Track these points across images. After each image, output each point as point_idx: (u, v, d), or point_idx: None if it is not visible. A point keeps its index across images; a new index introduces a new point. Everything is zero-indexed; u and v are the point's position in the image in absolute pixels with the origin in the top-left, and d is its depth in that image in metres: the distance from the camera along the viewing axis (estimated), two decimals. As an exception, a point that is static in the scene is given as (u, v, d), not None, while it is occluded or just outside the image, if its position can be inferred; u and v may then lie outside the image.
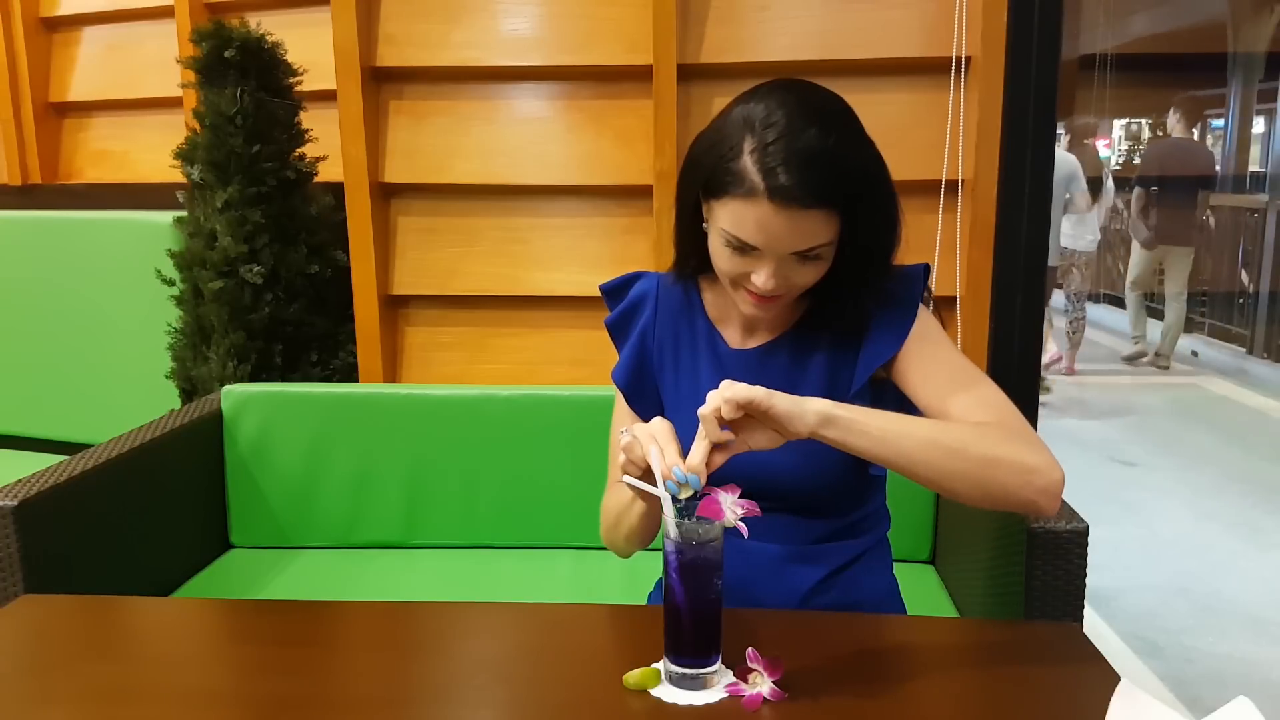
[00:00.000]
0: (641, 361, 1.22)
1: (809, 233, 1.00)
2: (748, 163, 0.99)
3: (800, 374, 1.14)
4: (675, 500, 0.91)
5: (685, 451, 0.95)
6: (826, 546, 1.16)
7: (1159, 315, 8.23)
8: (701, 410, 0.93)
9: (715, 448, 0.94)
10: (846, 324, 1.13)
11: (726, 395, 0.91)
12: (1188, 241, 6.40)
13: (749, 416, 0.94)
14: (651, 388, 1.22)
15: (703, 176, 1.05)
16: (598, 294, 1.27)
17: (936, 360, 1.09)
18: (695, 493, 0.91)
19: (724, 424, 0.93)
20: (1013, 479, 0.97)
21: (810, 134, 0.98)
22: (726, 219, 1.02)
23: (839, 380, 1.13)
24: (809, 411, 0.93)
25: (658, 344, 1.22)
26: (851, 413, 0.95)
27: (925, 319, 1.12)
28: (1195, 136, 6.68)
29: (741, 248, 1.02)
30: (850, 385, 1.12)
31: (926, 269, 1.15)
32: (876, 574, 1.21)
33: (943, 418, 1.04)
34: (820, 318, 1.15)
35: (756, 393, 0.91)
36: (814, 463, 1.10)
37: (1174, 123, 6.34)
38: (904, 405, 1.11)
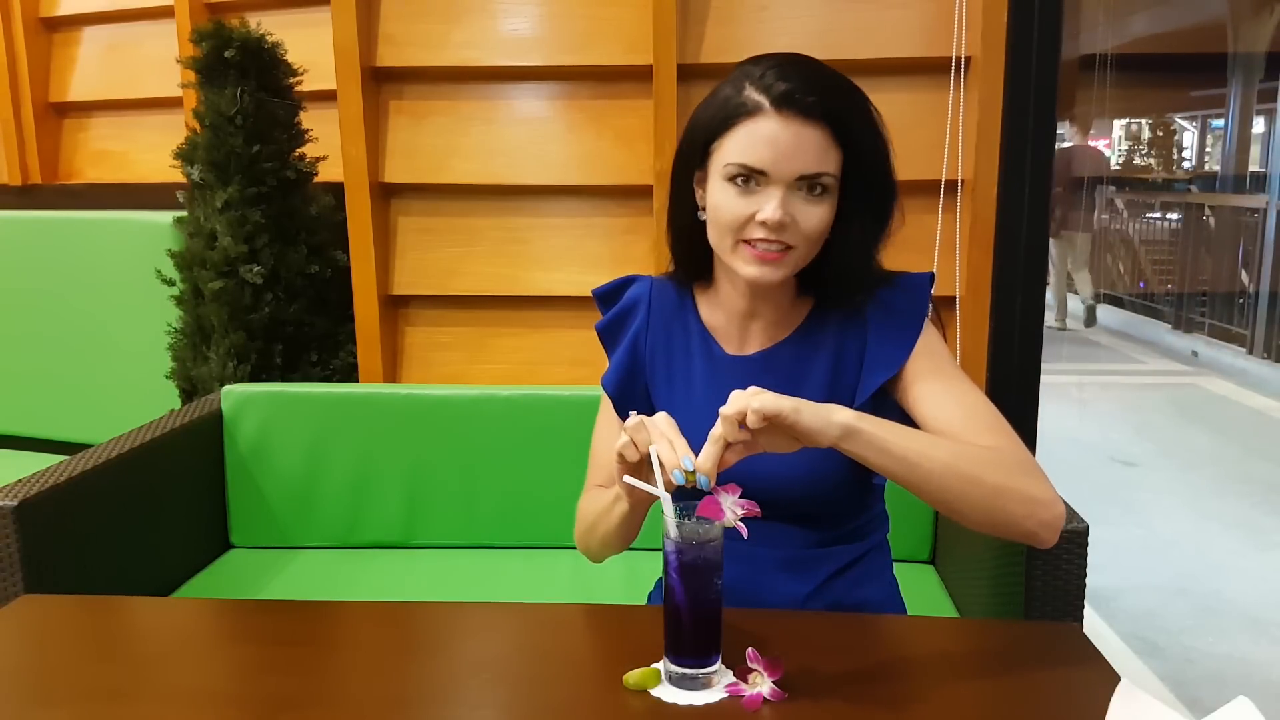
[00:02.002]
0: (633, 368, 1.20)
1: (816, 149, 1.00)
2: (750, 91, 1.02)
3: (800, 382, 1.13)
4: (678, 494, 0.91)
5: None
6: (826, 551, 1.16)
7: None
8: (724, 410, 0.91)
9: (728, 447, 0.93)
10: (848, 322, 1.12)
11: (755, 405, 0.89)
12: (1086, 228, 8.22)
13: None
14: (642, 395, 1.20)
15: (704, 129, 1.06)
16: (596, 295, 1.27)
17: (941, 379, 1.08)
18: (702, 490, 0.91)
19: (743, 426, 0.92)
20: (1019, 509, 0.97)
21: (805, 66, 1.03)
22: (734, 150, 1.02)
23: (840, 390, 1.12)
24: (833, 423, 0.92)
25: (650, 350, 1.20)
26: (875, 427, 0.94)
27: (930, 335, 1.11)
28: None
29: (747, 179, 1.02)
30: (853, 396, 1.11)
31: (931, 279, 1.14)
32: (876, 576, 1.21)
33: (945, 437, 1.03)
34: (819, 322, 1.14)
35: (784, 405, 0.90)
36: (815, 475, 1.10)
37: (1070, 131, 7.85)
38: (905, 417, 1.11)
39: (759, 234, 1.02)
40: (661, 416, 0.95)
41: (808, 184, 1.01)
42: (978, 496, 0.96)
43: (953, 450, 0.98)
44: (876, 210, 1.08)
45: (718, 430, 0.91)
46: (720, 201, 1.04)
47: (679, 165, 1.11)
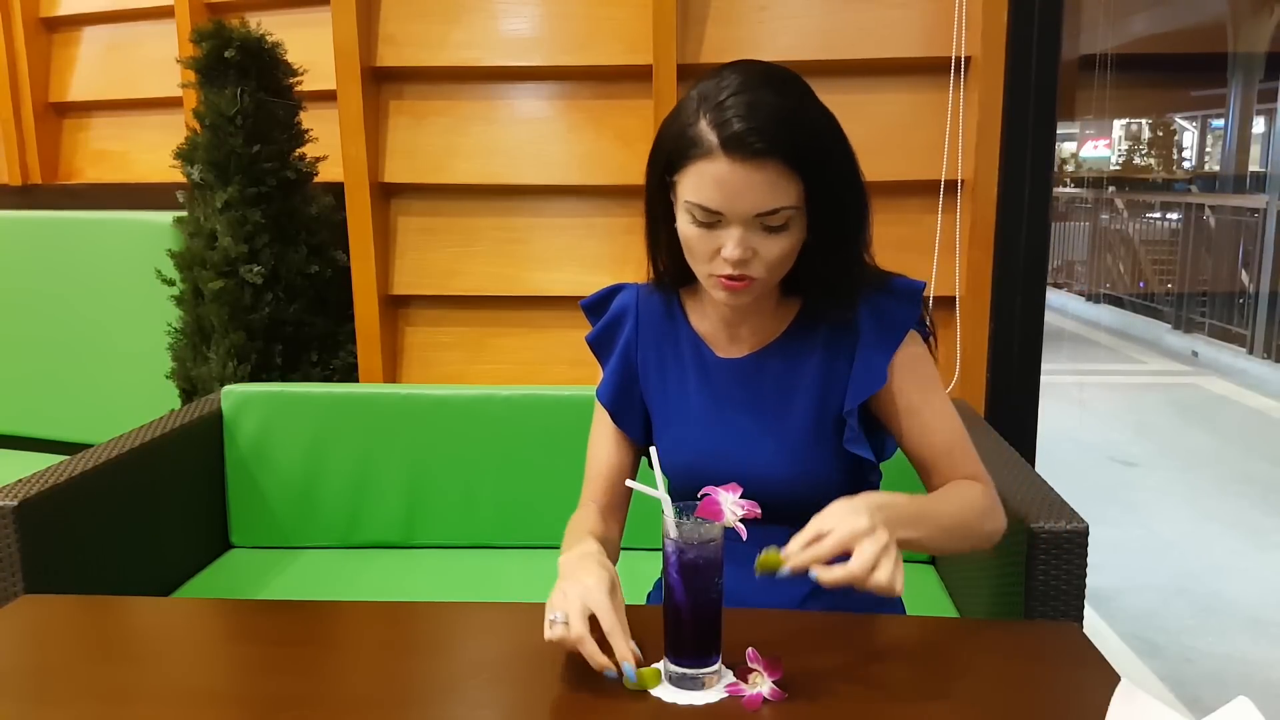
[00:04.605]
0: (627, 378, 1.19)
1: (768, 187, 0.98)
2: (703, 126, 0.99)
3: (793, 384, 1.12)
4: (676, 495, 0.91)
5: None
6: (825, 553, 1.15)
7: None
8: (853, 543, 0.87)
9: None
10: (835, 325, 1.11)
11: (884, 576, 0.86)
12: None
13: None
14: (638, 404, 1.20)
15: (664, 155, 1.04)
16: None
17: (922, 401, 1.10)
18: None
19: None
20: (979, 542, 1.08)
21: (763, 92, 0.99)
22: (689, 189, 1.01)
23: (832, 393, 1.11)
24: (899, 536, 0.92)
25: (641, 359, 1.19)
26: (917, 530, 0.97)
27: (915, 356, 1.11)
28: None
29: (707, 221, 1.01)
30: (842, 401, 1.11)
31: (923, 288, 1.12)
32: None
33: (921, 463, 1.11)
34: (809, 323, 1.13)
35: (891, 551, 0.88)
36: (810, 476, 1.10)
37: None
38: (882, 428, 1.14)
39: (724, 269, 1.02)
40: (592, 594, 0.90)
41: (766, 218, 1.00)
42: (955, 545, 1.08)
43: (950, 515, 1.05)
44: (847, 226, 1.07)
45: (823, 550, 0.88)
46: (685, 234, 1.04)
47: (651, 178, 1.10)
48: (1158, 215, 9.60)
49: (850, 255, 1.08)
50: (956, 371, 2.06)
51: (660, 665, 0.91)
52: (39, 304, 2.50)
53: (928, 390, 1.11)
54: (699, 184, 1.00)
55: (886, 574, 0.86)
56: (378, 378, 2.24)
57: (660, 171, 1.06)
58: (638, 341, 1.20)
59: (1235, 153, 10.55)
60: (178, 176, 2.16)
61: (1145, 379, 6.76)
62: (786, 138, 0.98)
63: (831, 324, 1.12)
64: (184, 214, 2.20)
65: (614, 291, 1.23)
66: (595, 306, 1.23)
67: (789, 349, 1.14)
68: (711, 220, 1.01)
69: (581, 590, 0.91)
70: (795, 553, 0.87)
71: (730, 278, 1.03)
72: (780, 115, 0.98)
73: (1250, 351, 6.89)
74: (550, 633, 0.90)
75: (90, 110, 2.82)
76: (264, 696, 0.93)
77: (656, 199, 1.09)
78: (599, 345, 1.23)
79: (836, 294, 1.09)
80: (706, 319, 1.17)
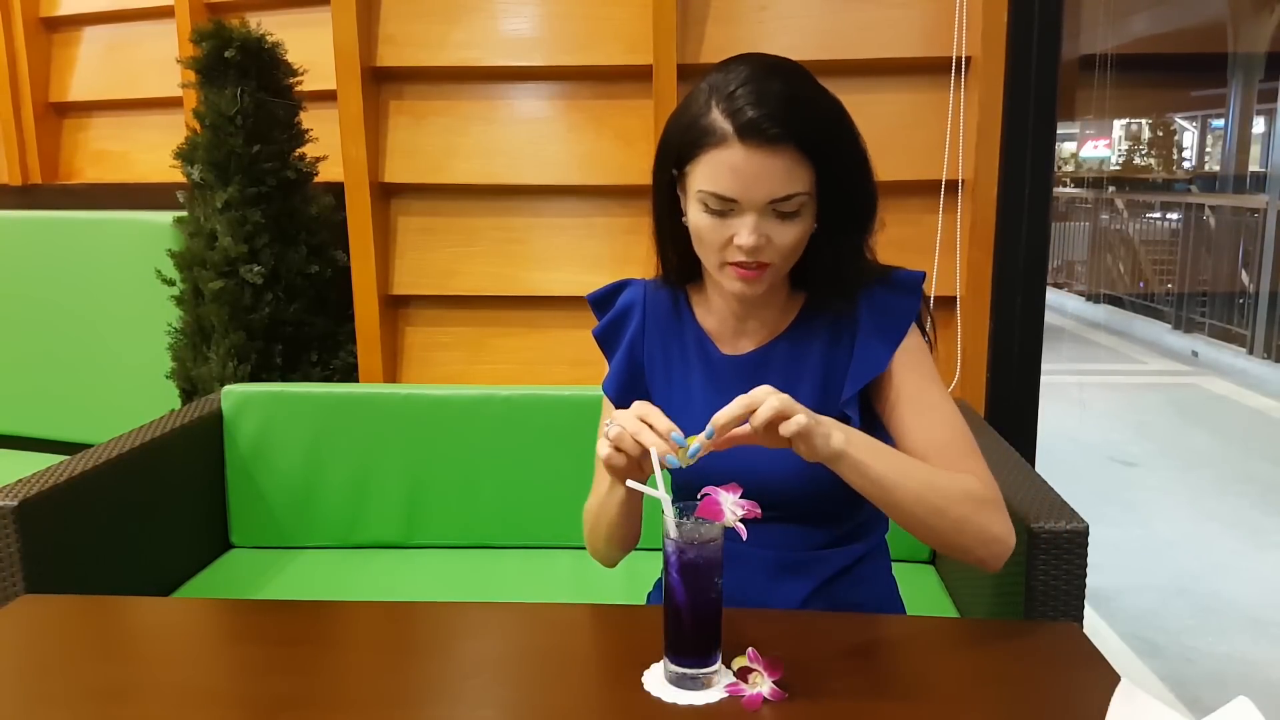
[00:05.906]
0: (633, 373, 1.20)
1: (782, 173, 1.00)
2: (716, 115, 1.01)
3: (797, 378, 1.13)
4: (679, 494, 0.91)
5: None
6: (825, 553, 1.15)
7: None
8: (743, 397, 0.92)
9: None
10: (841, 316, 1.11)
11: (775, 404, 0.90)
12: None
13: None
14: (643, 398, 1.20)
15: (675, 148, 1.05)
16: (597, 294, 1.26)
17: (921, 395, 1.09)
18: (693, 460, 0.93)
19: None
20: (974, 543, 1.03)
21: (773, 81, 1.01)
22: (702, 178, 1.02)
23: (833, 386, 1.12)
24: (831, 447, 0.94)
25: (647, 354, 1.20)
26: (859, 452, 0.96)
27: (916, 349, 1.11)
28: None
29: (721, 210, 1.02)
30: (841, 393, 1.11)
31: (923, 279, 1.13)
32: (876, 577, 1.21)
33: (918, 458, 1.06)
34: (812, 316, 1.14)
35: (803, 419, 0.91)
36: (811, 473, 1.10)
37: None
38: (883, 426, 1.12)
39: (738, 257, 1.03)
40: (638, 405, 0.96)
41: (780, 204, 1.01)
42: (939, 527, 1.01)
43: (925, 481, 1.00)
44: (857, 214, 1.08)
45: (735, 410, 0.92)
46: (698, 224, 1.05)
47: (658, 173, 1.10)
48: (1158, 215, 9.60)
49: (857, 245, 1.09)
50: (957, 371, 2.06)
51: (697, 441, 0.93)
52: (39, 305, 2.49)
53: (925, 384, 1.10)
54: (713, 172, 1.01)
55: (768, 408, 0.90)
56: (378, 378, 2.24)
57: (670, 165, 1.07)
58: (644, 337, 1.20)
59: (1235, 153, 10.56)
60: (178, 176, 2.16)
61: (1145, 379, 6.76)
62: (800, 124, 0.99)
63: (834, 316, 1.12)
64: (184, 214, 2.20)
65: (621, 286, 1.24)
66: (602, 301, 1.24)
67: (792, 344, 1.14)
68: (725, 208, 1.02)
69: (626, 410, 0.97)
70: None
71: (744, 265, 1.04)
72: (792, 102, 1.00)
73: (1250, 351, 6.89)
74: (609, 432, 0.96)
75: (90, 110, 2.82)
76: (264, 696, 0.93)
77: (664, 193, 1.10)
78: (605, 339, 1.23)
79: (840, 285, 1.10)
80: (712, 315, 1.18)
